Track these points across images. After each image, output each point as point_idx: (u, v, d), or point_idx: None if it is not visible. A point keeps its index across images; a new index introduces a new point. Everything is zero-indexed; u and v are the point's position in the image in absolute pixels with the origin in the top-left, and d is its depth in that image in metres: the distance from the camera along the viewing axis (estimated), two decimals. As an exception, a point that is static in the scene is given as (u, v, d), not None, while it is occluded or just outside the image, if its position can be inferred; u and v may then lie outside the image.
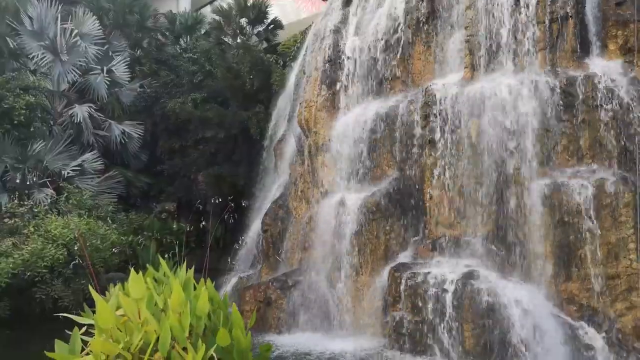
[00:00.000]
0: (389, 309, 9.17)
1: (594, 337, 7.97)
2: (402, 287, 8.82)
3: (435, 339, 8.34)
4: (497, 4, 9.83)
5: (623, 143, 8.64)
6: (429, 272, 8.81)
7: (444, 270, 8.80)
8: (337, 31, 12.22)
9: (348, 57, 11.86)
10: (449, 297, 8.35)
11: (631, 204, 8.16)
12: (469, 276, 8.53)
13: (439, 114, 9.70)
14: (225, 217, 13.76)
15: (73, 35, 16.37)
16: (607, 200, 8.24)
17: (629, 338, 7.97)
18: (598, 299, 8.17)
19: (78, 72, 16.37)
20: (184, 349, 2.43)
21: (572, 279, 8.35)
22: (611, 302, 8.12)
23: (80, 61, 16.44)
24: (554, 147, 8.94)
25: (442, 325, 8.32)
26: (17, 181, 13.52)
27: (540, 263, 8.57)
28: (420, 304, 8.56)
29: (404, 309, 8.72)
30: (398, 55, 11.36)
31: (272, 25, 19.53)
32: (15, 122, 13.99)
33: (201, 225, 14.98)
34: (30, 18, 16.22)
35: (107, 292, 3.18)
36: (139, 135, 17.00)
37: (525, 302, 8.15)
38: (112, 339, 2.47)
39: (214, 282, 2.97)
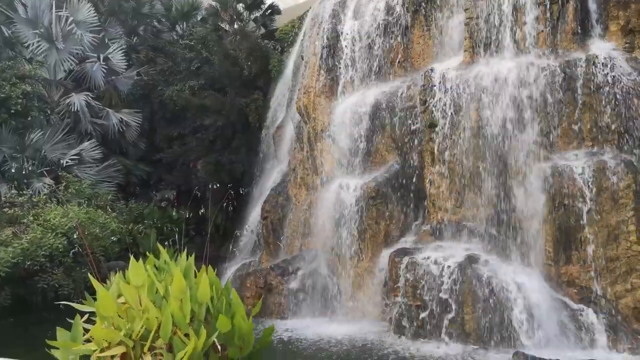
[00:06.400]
0: (389, 294, 9.21)
1: (594, 319, 8.02)
2: (402, 272, 8.85)
3: (435, 322, 8.39)
4: (497, -14, 9.71)
5: (624, 125, 8.60)
6: (429, 257, 8.83)
7: (444, 255, 8.82)
8: (335, 15, 12.08)
9: (347, 42, 11.74)
10: (449, 281, 8.38)
11: (631, 187, 8.15)
12: (469, 260, 8.55)
13: (439, 98, 9.64)
14: (225, 204, 13.74)
15: (68, 22, 16.18)
16: (607, 183, 8.23)
17: (628, 319, 8.02)
18: (598, 282, 8.20)
19: (74, 60, 16.21)
20: (186, 335, 2.43)
21: (572, 262, 8.38)
22: (611, 284, 8.16)
23: (76, 49, 16.27)
24: (554, 130, 8.91)
25: (442, 309, 8.36)
26: (13, 170, 13.47)
27: (540, 246, 8.59)
28: (420, 289, 8.59)
29: (404, 294, 8.76)
30: (397, 39, 11.26)
31: (269, 11, 19.29)
32: (12, 111, 13.88)
33: (200, 213, 14.99)
34: (24, 6, 16.01)
35: (107, 281, 3.16)
36: (137, 123, 16.89)
37: (525, 285, 8.19)
38: (114, 326, 2.47)
39: (214, 270, 2.96)
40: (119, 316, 2.50)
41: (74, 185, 13.60)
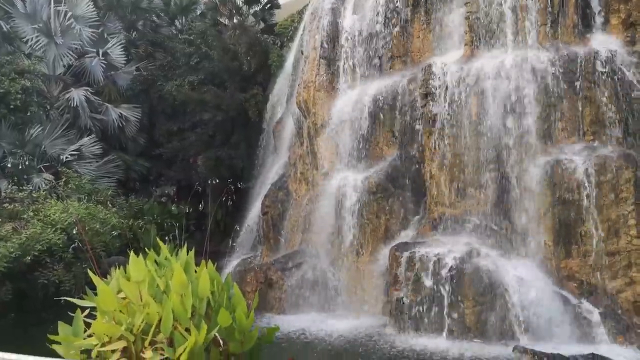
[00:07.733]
0: (389, 288, 9.22)
1: (594, 313, 8.03)
2: (402, 266, 8.85)
3: (435, 316, 8.40)
4: (497, -21, 9.67)
5: (624, 119, 8.58)
6: (429, 251, 8.83)
7: (445, 249, 8.82)
8: (335, 9, 12.02)
9: (346, 36, 11.70)
10: (449, 275, 8.38)
11: (632, 181, 8.15)
12: (469, 254, 8.55)
13: (439, 92, 9.61)
14: (225, 199, 13.73)
15: (67, 17, 16.12)
16: (608, 177, 8.22)
17: (628, 313, 8.03)
18: (598, 276, 8.21)
19: (73, 55, 16.17)
20: (187, 329, 2.43)
21: (572, 256, 8.38)
22: (611, 278, 8.16)
23: (75, 44, 16.22)
24: (555, 124, 8.89)
25: (442, 303, 8.37)
26: (9, 165, 13.46)
27: (541, 240, 8.59)
28: (420, 283, 8.59)
29: (404, 288, 8.76)
30: (397, 33, 11.21)
31: (268, 5, 19.19)
32: (12, 106, 13.85)
33: (200, 208, 14.99)
34: (23, 0, 15.95)
35: (108, 276, 3.16)
36: (137, 118, 16.86)
37: (525, 279, 8.19)
38: (115, 320, 2.47)
39: (215, 265, 2.95)
40: (120, 311, 2.50)
41: (74, 180, 13.60)
